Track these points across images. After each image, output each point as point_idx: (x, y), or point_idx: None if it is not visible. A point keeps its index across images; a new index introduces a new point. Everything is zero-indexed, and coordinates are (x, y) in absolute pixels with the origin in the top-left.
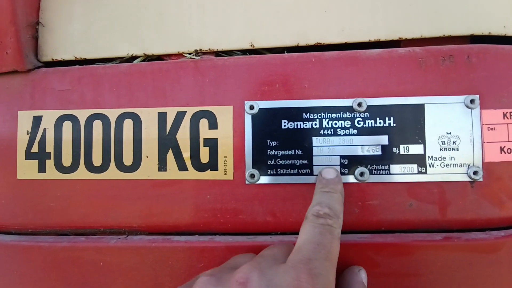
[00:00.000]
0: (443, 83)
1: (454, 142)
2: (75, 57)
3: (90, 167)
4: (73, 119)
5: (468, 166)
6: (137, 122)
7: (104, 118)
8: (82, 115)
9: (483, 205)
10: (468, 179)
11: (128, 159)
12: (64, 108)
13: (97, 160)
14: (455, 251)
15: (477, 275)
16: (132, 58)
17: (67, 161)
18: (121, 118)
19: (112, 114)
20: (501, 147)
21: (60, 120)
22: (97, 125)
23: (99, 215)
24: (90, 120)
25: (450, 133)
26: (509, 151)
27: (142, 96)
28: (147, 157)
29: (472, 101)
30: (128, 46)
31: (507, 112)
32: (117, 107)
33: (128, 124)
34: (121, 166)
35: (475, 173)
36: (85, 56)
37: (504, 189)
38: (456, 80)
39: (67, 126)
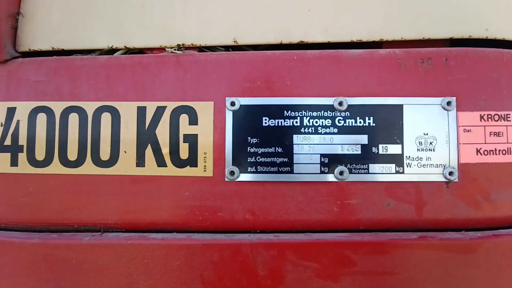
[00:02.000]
0: (421, 85)
1: (431, 143)
2: (53, 48)
3: (65, 162)
4: (48, 112)
5: (444, 166)
6: (116, 116)
7: (80, 111)
8: (58, 107)
9: (459, 206)
10: (444, 180)
11: (105, 154)
12: (39, 99)
13: (72, 155)
14: (430, 250)
15: (452, 275)
16: (112, 51)
17: (40, 154)
18: (98, 112)
19: (89, 107)
20: (477, 148)
21: (34, 112)
22: (73, 118)
23: (73, 212)
24: (65, 112)
25: (427, 134)
26: (485, 152)
27: (121, 90)
28: (125, 152)
29: (448, 103)
30: (108, 38)
31: (484, 115)
32: (95, 100)
33: (106, 117)
34: (97, 161)
35: (450, 173)
36: (63, 46)
37: (479, 190)
38: (433, 82)
39: (42, 118)
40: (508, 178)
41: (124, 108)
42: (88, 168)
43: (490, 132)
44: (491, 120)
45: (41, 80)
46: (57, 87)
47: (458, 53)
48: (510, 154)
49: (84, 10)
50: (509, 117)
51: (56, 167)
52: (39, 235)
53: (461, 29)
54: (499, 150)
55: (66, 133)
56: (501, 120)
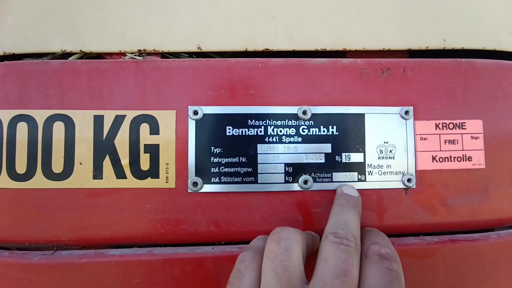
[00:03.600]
0: (381, 94)
1: (390, 151)
2: (4, 52)
3: (13, 175)
4: None
5: (403, 173)
6: (70, 125)
7: (29, 120)
8: (5, 116)
9: (416, 211)
10: (403, 186)
11: (57, 166)
12: None
13: (20, 167)
14: None
15: (411, 281)
16: (66, 55)
17: None
18: (50, 120)
19: (40, 115)
20: (433, 156)
21: None
22: (22, 128)
23: (23, 229)
24: (13, 121)
25: (387, 142)
26: (440, 160)
27: (75, 97)
28: (81, 163)
29: (406, 112)
30: (62, 41)
31: (439, 123)
32: (46, 108)
33: (58, 127)
34: (49, 174)
35: (408, 180)
36: (14, 51)
37: (436, 195)
38: (392, 92)
39: None
40: (463, 184)
41: (79, 116)
42: (39, 181)
43: (445, 140)
44: (446, 129)
45: None
46: (5, 94)
47: (415, 64)
48: (465, 161)
49: (38, 12)
50: (465, 125)
51: (3, 181)
52: None
53: (419, 40)
54: (454, 157)
55: (14, 143)
56: (456, 128)
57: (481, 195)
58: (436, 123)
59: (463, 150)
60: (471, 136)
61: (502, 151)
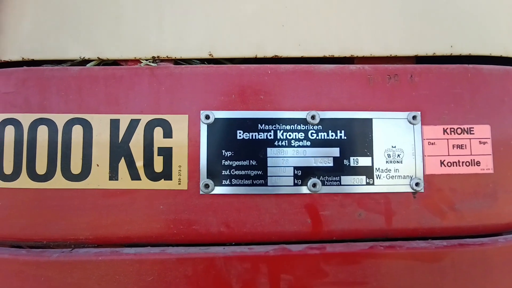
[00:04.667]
0: (389, 100)
1: (398, 155)
2: (23, 58)
3: (33, 175)
4: (16, 124)
5: (411, 178)
6: (87, 128)
7: (50, 124)
8: (26, 119)
9: (425, 215)
10: (411, 190)
11: (76, 167)
12: (7, 111)
13: (41, 168)
14: (398, 259)
15: (419, 284)
16: (84, 62)
17: (8, 168)
18: (69, 124)
19: (59, 119)
20: (441, 160)
21: (2, 125)
22: (42, 131)
23: (42, 227)
24: (34, 125)
25: (395, 146)
26: (448, 164)
27: (93, 102)
28: (98, 165)
29: (414, 118)
30: (81, 48)
31: (447, 128)
32: (65, 112)
33: (77, 130)
34: (68, 175)
35: (417, 184)
36: (33, 57)
37: (444, 200)
38: (400, 97)
39: (9, 130)
40: (472, 189)
41: (97, 120)
42: (58, 182)
43: (453, 145)
44: (454, 133)
45: (9, 91)
46: (26, 99)
47: (422, 70)
48: (474, 165)
49: (56, 20)
50: (473, 130)
51: (24, 181)
52: (9, 250)
53: (425, 46)
54: (462, 162)
55: (34, 146)
56: (464, 133)
57: (490, 200)
58: (444, 128)
59: (471, 155)
60: (479, 141)
61: (510, 156)
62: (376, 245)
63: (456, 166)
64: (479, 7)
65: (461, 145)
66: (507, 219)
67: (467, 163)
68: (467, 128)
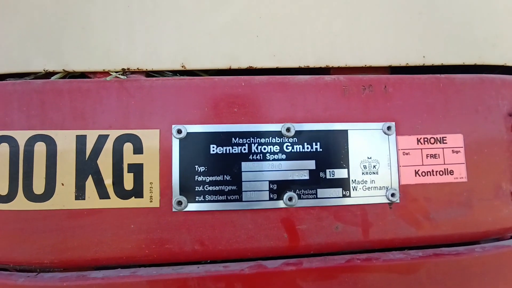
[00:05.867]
0: (364, 111)
1: (374, 166)
2: None
3: None
4: None
5: (387, 188)
6: (51, 145)
7: (11, 141)
8: None
9: (401, 225)
10: (387, 201)
11: (39, 187)
12: None
13: (2, 188)
14: (375, 272)
15: None
16: (49, 74)
17: None
18: (31, 141)
19: (21, 136)
20: (415, 170)
21: None
22: (3, 149)
23: (6, 250)
24: None
25: (370, 157)
26: (423, 174)
27: (57, 117)
28: (62, 184)
29: (388, 128)
30: (45, 60)
31: (420, 138)
32: (27, 129)
33: (40, 147)
34: (30, 195)
35: (392, 195)
36: None
37: (419, 209)
38: (374, 108)
39: None
40: (446, 198)
41: (61, 137)
42: (20, 203)
43: (427, 155)
44: (428, 143)
45: None
46: None
47: (396, 80)
48: (447, 174)
49: (20, 32)
50: (445, 140)
51: None
52: None
53: (399, 57)
54: (436, 171)
55: None
56: (437, 143)
57: (464, 208)
58: (417, 138)
59: (444, 164)
60: (452, 150)
61: (483, 165)
62: (353, 258)
63: (430, 175)
64: (453, 17)
65: (435, 154)
66: (484, 227)
67: (441, 172)
68: (440, 137)
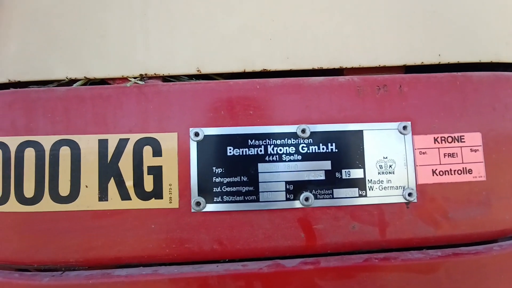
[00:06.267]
0: (378, 111)
1: (390, 166)
2: (9, 80)
3: (21, 199)
4: (3, 147)
5: (404, 188)
6: (75, 149)
7: (36, 146)
8: (13, 142)
9: (419, 225)
10: (404, 201)
11: (64, 189)
12: None
13: (28, 191)
14: (393, 272)
15: None
16: (71, 82)
17: None
18: (56, 146)
19: (46, 141)
20: (432, 169)
21: None
22: (29, 153)
23: (32, 251)
24: (21, 148)
25: (386, 157)
26: (440, 173)
27: (80, 123)
28: (86, 186)
29: (404, 128)
30: (67, 68)
31: (437, 137)
32: (52, 134)
33: (64, 151)
34: (56, 197)
35: (409, 194)
36: (20, 78)
37: (437, 209)
38: (390, 108)
39: None
40: (465, 197)
41: (84, 141)
42: (46, 204)
43: (444, 154)
44: (445, 142)
45: None
46: (12, 121)
47: (411, 80)
48: (466, 173)
49: (42, 41)
50: (463, 139)
51: (12, 205)
52: (3, 273)
53: (414, 56)
54: (454, 170)
55: (21, 169)
56: (454, 142)
57: (483, 207)
58: (434, 137)
59: (463, 163)
60: (471, 149)
61: (502, 163)
62: (370, 258)
63: (448, 174)
64: (467, 14)
65: (453, 153)
66: (501, 225)
67: (459, 171)
68: (458, 136)
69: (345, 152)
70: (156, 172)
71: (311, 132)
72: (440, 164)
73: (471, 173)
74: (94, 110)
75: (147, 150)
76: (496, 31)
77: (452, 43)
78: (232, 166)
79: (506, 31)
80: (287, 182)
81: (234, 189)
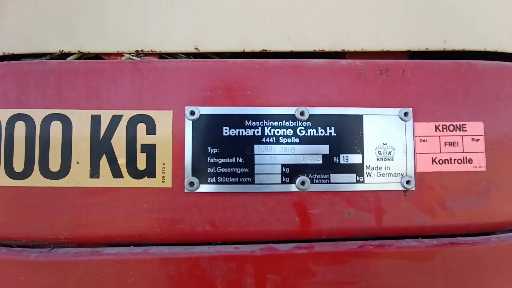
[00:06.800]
0: (380, 96)
1: (389, 153)
2: (3, 53)
3: (11, 173)
4: None
5: (402, 175)
6: (67, 124)
7: (27, 119)
8: (3, 115)
9: (415, 213)
10: (402, 188)
11: (55, 165)
12: None
13: (18, 165)
14: (387, 259)
15: (409, 284)
16: (64, 55)
17: None
18: (47, 120)
19: (37, 115)
20: (432, 158)
21: None
22: (20, 127)
23: (20, 226)
24: (11, 121)
25: (386, 144)
26: (440, 162)
27: (73, 97)
28: (78, 162)
29: (405, 114)
30: (60, 41)
31: (439, 125)
32: (44, 108)
33: (56, 126)
34: (46, 172)
35: (407, 182)
36: (13, 51)
37: (435, 198)
38: (391, 93)
39: None
40: (463, 187)
41: (77, 116)
42: (36, 179)
43: (445, 142)
44: (446, 130)
45: None
46: (4, 94)
47: (414, 65)
48: (466, 163)
49: (36, 14)
50: (465, 128)
51: (1, 179)
52: None
53: (418, 41)
54: (454, 160)
55: (12, 142)
56: (456, 130)
57: (482, 198)
58: (436, 125)
59: (463, 152)
60: (472, 138)
61: (503, 154)
62: (365, 244)
63: (448, 163)
64: (475, 1)
65: (453, 142)
66: (500, 217)
67: (459, 161)
68: (460, 125)
69: (344, 137)
70: (150, 150)
71: (310, 115)
72: (440, 152)
73: (471, 162)
74: (87, 84)
75: (141, 128)
76: (503, 21)
77: (458, 30)
78: (228, 147)
79: (511, 21)
80: (283, 165)
81: (229, 170)
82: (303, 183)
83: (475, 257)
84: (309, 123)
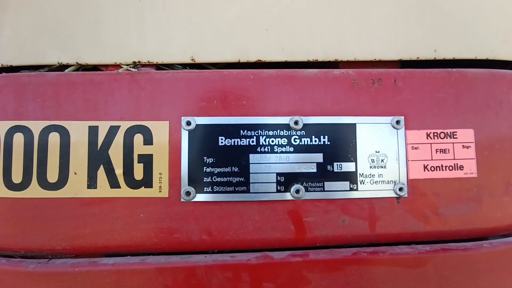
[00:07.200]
0: (372, 104)
1: (382, 160)
2: (2, 64)
3: (9, 184)
4: None
5: (395, 183)
6: (65, 135)
7: (25, 131)
8: (2, 127)
9: (409, 220)
10: (395, 195)
11: (52, 176)
12: None
13: (16, 176)
14: (381, 266)
15: None
16: (62, 67)
17: None
18: (45, 131)
19: (35, 126)
20: (424, 165)
21: None
22: (18, 138)
23: (19, 237)
24: (10, 132)
25: (378, 151)
26: (432, 169)
27: (71, 109)
28: (75, 173)
29: (397, 122)
30: (59, 53)
31: (430, 133)
32: (42, 119)
33: (54, 137)
34: (44, 183)
35: (400, 189)
36: (11, 63)
37: (428, 204)
38: (383, 102)
39: None
40: (455, 193)
41: (74, 127)
42: (34, 191)
43: (436, 149)
44: (437, 138)
45: None
46: (2, 106)
47: (406, 74)
48: (457, 170)
49: (35, 25)
50: (456, 135)
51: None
52: None
53: (409, 51)
54: (446, 166)
55: (10, 154)
56: (447, 138)
57: (474, 204)
58: (427, 133)
59: (454, 159)
60: (463, 145)
61: (494, 160)
62: (359, 251)
63: (440, 170)
64: (465, 10)
65: (444, 149)
66: (492, 223)
67: (450, 167)
68: (450, 132)
69: (338, 145)
70: (147, 160)
71: (304, 124)
72: (432, 159)
73: (463, 169)
74: (85, 96)
75: (138, 138)
76: (493, 28)
77: (448, 39)
78: (224, 156)
79: (503, 28)
80: (278, 174)
81: (225, 179)
82: (297, 191)
83: (468, 262)
84: (303, 132)
